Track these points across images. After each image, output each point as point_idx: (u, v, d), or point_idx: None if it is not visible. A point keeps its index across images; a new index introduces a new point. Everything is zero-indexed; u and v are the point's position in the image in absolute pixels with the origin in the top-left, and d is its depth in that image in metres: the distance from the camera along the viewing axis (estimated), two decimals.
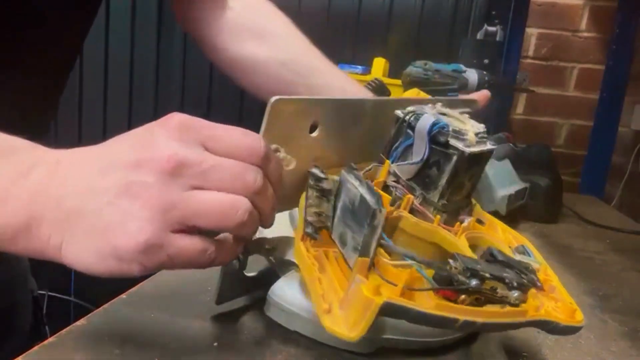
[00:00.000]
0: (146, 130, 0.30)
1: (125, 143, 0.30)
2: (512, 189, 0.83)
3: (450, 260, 0.31)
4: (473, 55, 1.21)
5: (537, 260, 0.39)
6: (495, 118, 1.27)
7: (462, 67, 0.94)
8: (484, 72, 0.95)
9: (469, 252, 0.35)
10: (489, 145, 0.38)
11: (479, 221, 0.41)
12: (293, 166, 0.36)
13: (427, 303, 0.29)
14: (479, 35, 1.37)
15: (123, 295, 0.45)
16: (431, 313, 0.29)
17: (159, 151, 0.28)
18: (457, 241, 0.36)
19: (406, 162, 0.38)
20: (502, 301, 0.31)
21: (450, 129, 0.37)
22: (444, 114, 0.39)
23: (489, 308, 0.31)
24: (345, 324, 0.29)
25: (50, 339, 0.37)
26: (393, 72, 1.25)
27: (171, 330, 0.40)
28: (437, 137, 0.37)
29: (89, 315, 0.41)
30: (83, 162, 0.30)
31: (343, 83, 0.65)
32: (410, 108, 0.39)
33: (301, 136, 0.37)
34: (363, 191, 0.32)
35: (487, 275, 0.30)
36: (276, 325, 0.42)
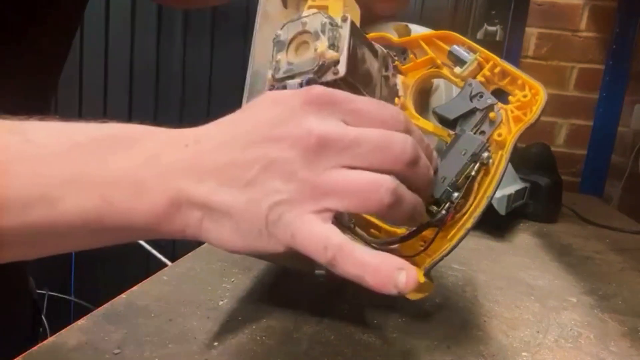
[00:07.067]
0: (282, 102, 0.29)
1: (262, 115, 0.29)
2: (512, 189, 0.83)
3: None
4: None
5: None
6: None
7: None
8: None
9: None
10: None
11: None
12: None
13: None
14: (479, 35, 1.37)
15: (123, 295, 0.45)
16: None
17: (298, 127, 0.27)
18: None
19: None
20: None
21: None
22: None
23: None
24: None
25: (50, 339, 0.37)
26: None
27: (171, 330, 0.40)
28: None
29: (89, 315, 0.41)
30: (222, 138, 0.29)
31: None
32: None
33: None
34: None
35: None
36: (275, 325, 0.42)
